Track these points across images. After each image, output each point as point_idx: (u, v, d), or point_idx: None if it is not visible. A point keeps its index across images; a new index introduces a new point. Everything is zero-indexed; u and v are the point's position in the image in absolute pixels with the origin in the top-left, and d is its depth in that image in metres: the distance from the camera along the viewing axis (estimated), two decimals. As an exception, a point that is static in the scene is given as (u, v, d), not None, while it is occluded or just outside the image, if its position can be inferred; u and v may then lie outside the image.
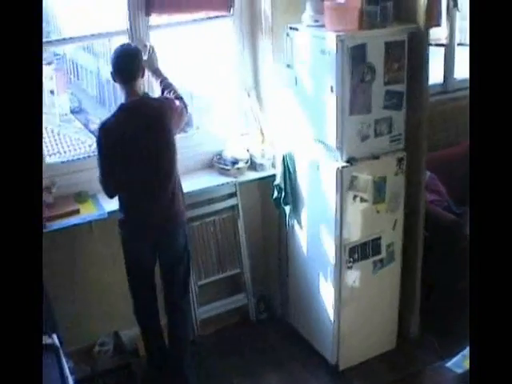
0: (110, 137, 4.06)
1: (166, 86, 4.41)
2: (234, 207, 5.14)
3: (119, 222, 4.28)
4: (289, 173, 4.79)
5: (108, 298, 4.89)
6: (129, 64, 4.09)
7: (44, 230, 4.23)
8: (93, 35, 5.04)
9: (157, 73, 4.46)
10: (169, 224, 4.32)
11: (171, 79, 4.45)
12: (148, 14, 4.60)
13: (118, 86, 4.15)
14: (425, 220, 4.84)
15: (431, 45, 4.80)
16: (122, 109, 4.12)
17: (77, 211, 4.50)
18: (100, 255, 4.81)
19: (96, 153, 4.12)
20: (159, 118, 4.15)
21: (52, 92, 21.55)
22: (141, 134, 4.05)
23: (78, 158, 5.09)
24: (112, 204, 4.40)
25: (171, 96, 4.31)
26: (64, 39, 5.13)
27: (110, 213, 4.48)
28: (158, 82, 4.44)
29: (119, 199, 4.25)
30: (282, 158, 4.82)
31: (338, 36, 4.07)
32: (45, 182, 4.45)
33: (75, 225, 4.45)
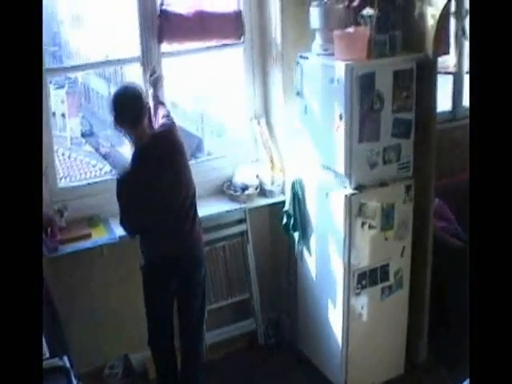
0: (131, 187, 4.04)
1: (160, 104, 4.48)
2: (243, 233, 5.16)
3: (142, 253, 4.29)
4: (298, 199, 4.82)
5: (118, 321, 4.90)
6: (135, 106, 3.98)
7: (56, 254, 4.33)
8: (105, 62, 5.10)
9: (157, 95, 4.54)
10: (191, 250, 4.34)
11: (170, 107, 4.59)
12: (160, 41, 4.68)
13: (122, 131, 4.03)
14: (433, 247, 4.86)
15: (440, 73, 4.83)
16: (137, 157, 4.04)
17: (88, 235, 4.55)
18: (110, 278, 4.83)
19: (117, 199, 4.08)
20: (174, 148, 4.16)
21: (63, 115, 21.72)
22: (160, 173, 4.02)
23: (95, 183, 5.07)
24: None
25: (167, 121, 4.26)
26: (78, 66, 5.20)
27: (121, 237, 4.51)
28: (154, 102, 4.46)
29: (140, 234, 4.25)
30: (291, 185, 4.86)
31: (346, 65, 4.13)
32: (57, 206, 4.53)
33: (87, 248, 4.50)
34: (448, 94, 6.09)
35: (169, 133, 4.20)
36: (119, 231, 4.51)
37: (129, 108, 3.97)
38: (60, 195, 4.65)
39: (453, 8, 5.68)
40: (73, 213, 4.65)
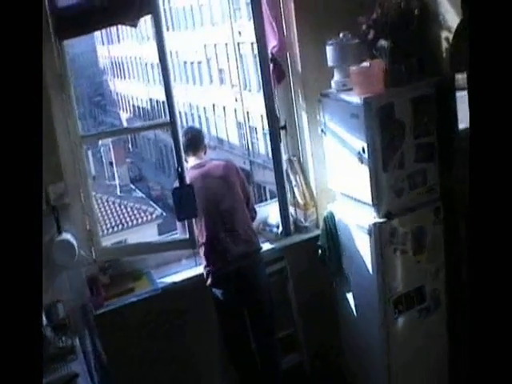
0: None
1: None
2: (282, 270, 5.19)
3: (205, 270, 4.70)
4: (331, 232, 4.90)
5: (167, 371, 4.95)
6: (198, 137, 5.04)
7: (101, 310, 4.50)
8: (138, 127, 5.30)
9: None
10: (248, 251, 4.73)
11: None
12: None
13: (188, 160, 4.88)
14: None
15: (465, 89, 4.86)
16: (191, 167, 4.87)
17: (132, 289, 4.70)
18: (156, 330, 4.87)
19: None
20: (224, 170, 4.87)
21: (111, 163, 22.21)
22: (208, 179, 4.78)
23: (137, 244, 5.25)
24: (165, 279, 4.74)
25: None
26: (112, 131, 5.37)
27: (164, 288, 4.70)
28: None
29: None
30: (323, 219, 4.95)
31: (364, 98, 4.23)
32: (100, 264, 4.72)
33: (131, 303, 4.62)
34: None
35: (226, 163, 5.02)
36: (162, 283, 4.76)
37: (193, 137, 4.97)
38: (102, 255, 4.78)
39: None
40: (116, 268, 4.83)
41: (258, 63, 5.00)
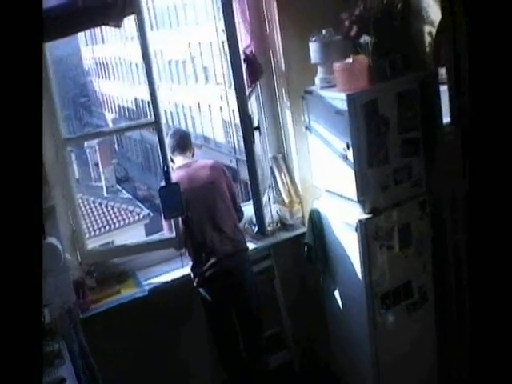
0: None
1: None
2: (269, 268, 5.18)
3: (192, 271, 4.69)
4: (317, 229, 4.89)
5: (155, 373, 4.94)
6: (186, 138, 5.00)
7: (88, 314, 4.48)
8: (123, 128, 5.26)
9: None
10: (235, 250, 4.72)
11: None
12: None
13: (174, 161, 4.88)
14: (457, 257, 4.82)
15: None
16: (178, 167, 4.86)
17: (118, 292, 4.69)
18: (144, 332, 4.85)
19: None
20: (210, 170, 4.87)
21: (97, 165, 22.19)
22: (197, 179, 4.77)
23: (122, 245, 5.27)
24: (151, 280, 4.74)
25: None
26: (96, 133, 5.34)
27: (150, 290, 4.68)
28: None
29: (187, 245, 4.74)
30: (308, 216, 4.94)
31: (348, 95, 4.21)
32: (86, 268, 4.71)
33: (118, 305, 4.60)
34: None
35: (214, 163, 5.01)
36: (148, 284, 4.75)
37: (182, 137, 4.97)
38: (88, 258, 4.78)
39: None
40: (102, 271, 4.82)
41: (229, 63, 4.87)
